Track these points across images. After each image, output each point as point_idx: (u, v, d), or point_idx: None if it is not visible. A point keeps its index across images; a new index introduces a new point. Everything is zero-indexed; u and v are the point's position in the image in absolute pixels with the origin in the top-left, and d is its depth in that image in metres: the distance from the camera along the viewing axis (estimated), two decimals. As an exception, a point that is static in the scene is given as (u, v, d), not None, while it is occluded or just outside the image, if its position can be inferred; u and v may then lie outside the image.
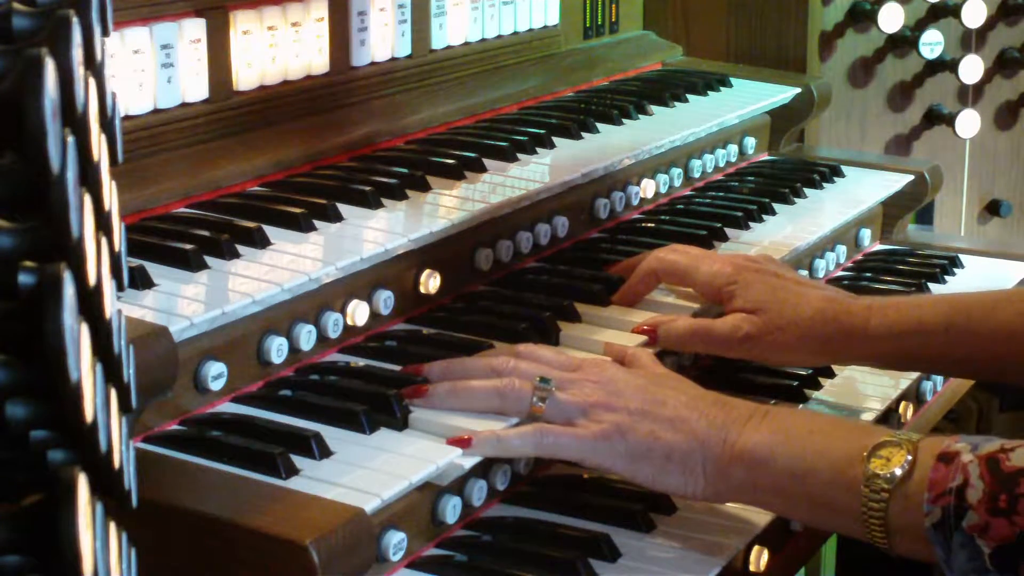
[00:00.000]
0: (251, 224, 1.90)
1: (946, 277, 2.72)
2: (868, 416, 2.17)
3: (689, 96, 2.87)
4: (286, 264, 1.83)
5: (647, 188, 2.57)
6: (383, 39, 2.45)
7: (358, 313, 1.92)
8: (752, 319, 2.03)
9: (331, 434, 1.67)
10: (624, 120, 2.66)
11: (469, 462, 1.71)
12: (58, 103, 0.91)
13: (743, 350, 2.05)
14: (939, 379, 2.46)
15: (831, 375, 2.27)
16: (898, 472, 1.59)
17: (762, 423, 1.72)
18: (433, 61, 2.57)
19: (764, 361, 2.10)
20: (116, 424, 0.97)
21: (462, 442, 1.70)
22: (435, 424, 1.73)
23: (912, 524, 1.57)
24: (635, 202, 2.54)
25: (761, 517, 1.83)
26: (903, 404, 2.29)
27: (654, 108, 2.77)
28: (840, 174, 2.89)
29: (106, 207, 1.09)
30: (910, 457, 1.59)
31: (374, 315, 1.96)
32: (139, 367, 1.25)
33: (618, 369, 1.84)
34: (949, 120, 3.44)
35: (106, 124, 1.12)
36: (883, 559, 1.66)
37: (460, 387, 1.77)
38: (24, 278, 0.88)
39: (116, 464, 0.96)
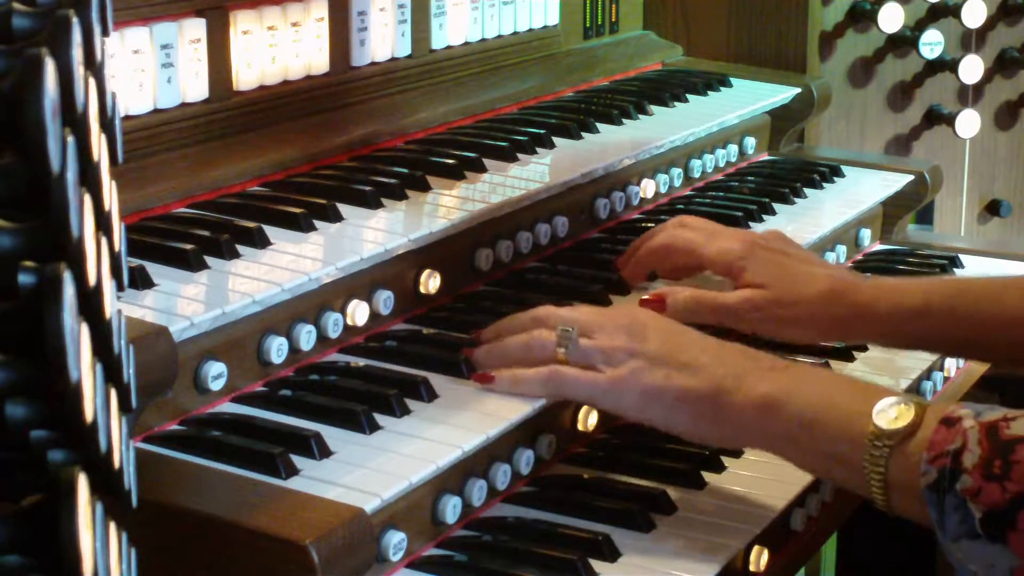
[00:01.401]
0: (251, 224, 1.90)
1: (946, 277, 2.72)
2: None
3: (689, 96, 2.87)
4: (286, 264, 1.83)
5: (647, 188, 2.57)
6: (383, 39, 2.45)
7: (358, 313, 1.92)
8: (762, 293, 2.06)
9: (331, 434, 1.67)
10: (624, 120, 2.66)
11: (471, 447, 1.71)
12: (58, 103, 0.91)
13: (752, 322, 2.08)
14: (939, 379, 2.46)
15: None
16: (902, 429, 1.61)
17: (782, 373, 1.75)
18: (433, 61, 2.57)
19: (773, 336, 2.12)
20: (116, 424, 0.97)
21: (485, 378, 1.82)
22: (435, 423, 1.74)
23: (909, 482, 1.59)
24: (635, 202, 2.54)
25: (761, 517, 1.83)
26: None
27: (654, 108, 2.77)
28: (840, 174, 2.89)
29: (106, 207, 1.09)
30: (916, 417, 1.61)
31: (374, 315, 1.96)
32: (139, 367, 1.25)
33: (648, 312, 1.90)
34: (949, 120, 3.43)
35: (106, 124, 1.12)
36: (883, 560, 1.67)
37: (496, 347, 1.87)
38: (24, 278, 0.88)
39: (116, 464, 0.95)
